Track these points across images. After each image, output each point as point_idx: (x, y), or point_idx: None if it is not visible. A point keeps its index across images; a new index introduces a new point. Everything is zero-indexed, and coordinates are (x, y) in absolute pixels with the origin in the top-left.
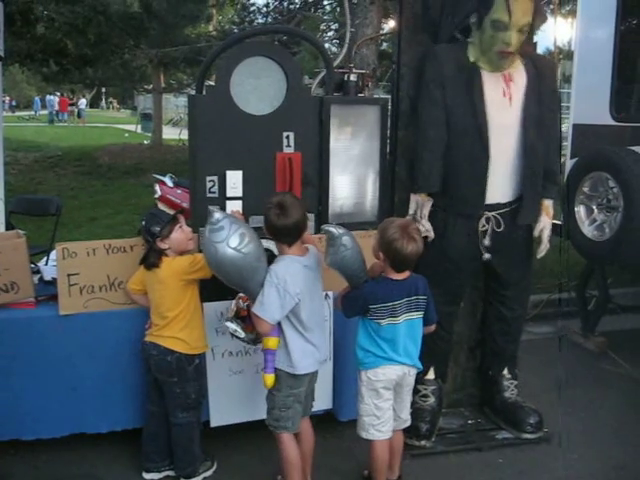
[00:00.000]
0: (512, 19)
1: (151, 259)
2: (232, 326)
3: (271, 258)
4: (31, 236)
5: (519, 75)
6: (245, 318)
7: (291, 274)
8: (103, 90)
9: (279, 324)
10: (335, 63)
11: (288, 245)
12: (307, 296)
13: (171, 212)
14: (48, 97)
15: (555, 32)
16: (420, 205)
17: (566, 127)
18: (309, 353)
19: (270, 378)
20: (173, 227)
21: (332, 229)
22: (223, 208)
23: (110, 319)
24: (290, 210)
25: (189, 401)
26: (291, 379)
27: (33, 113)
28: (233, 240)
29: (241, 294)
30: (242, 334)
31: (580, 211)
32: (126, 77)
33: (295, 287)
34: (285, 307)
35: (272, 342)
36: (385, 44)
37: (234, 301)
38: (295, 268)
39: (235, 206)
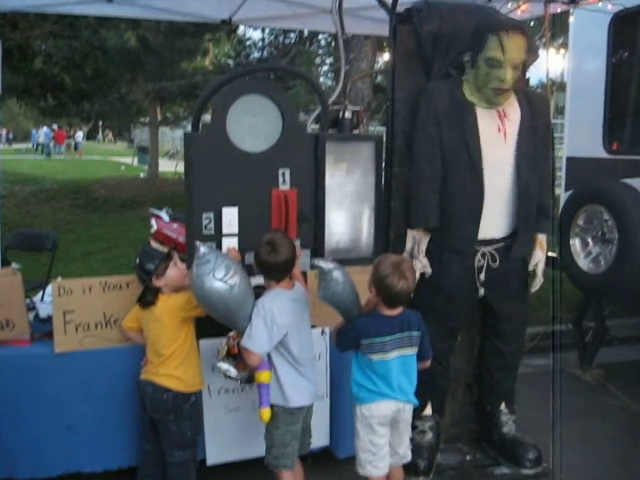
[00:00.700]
0: (506, 56)
1: (147, 297)
2: (224, 366)
3: (261, 293)
4: (27, 270)
5: (513, 111)
6: (237, 356)
7: (278, 306)
8: (100, 123)
9: (270, 358)
10: (330, 100)
11: (277, 281)
12: (295, 329)
13: (164, 249)
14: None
15: (548, 64)
16: (417, 241)
17: (560, 157)
18: (302, 387)
19: (266, 412)
20: (168, 264)
21: (322, 264)
22: (219, 245)
23: (106, 357)
24: (280, 248)
25: (185, 439)
26: (287, 415)
27: (30, 146)
28: (219, 272)
29: (231, 333)
30: (234, 373)
31: (575, 244)
32: (123, 111)
33: (282, 318)
34: (273, 338)
35: (264, 376)
36: (380, 77)
37: (225, 340)
38: (282, 300)
39: (230, 243)
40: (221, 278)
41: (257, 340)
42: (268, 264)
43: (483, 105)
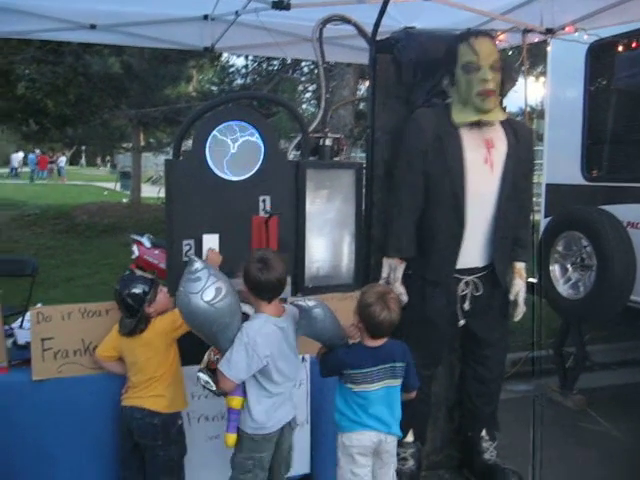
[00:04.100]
0: (480, 58)
1: (140, 325)
2: (204, 377)
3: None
4: (6, 296)
5: (500, 141)
6: (215, 371)
7: (263, 335)
8: (83, 148)
9: (244, 384)
10: (311, 127)
11: (268, 301)
12: (278, 358)
13: (147, 275)
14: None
15: (526, 92)
16: (393, 268)
17: (540, 184)
18: (275, 415)
19: (231, 438)
20: (157, 290)
21: (301, 303)
22: None
23: (84, 384)
24: (273, 264)
25: (172, 464)
26: (251, 442)
27: (9, 171)
28: (208, 293)
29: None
30: (213, 387)
31: (555, 270)
32: (106, 136)
33: (265, 349)
34: (251, 368)
35: (236, 402)
36: (362, 104)
37: (207, 352)
38: (268, 329)
39: (212, 242)
40: (209, 301)
41: (235, 367)
42: (260, 282)
43: (472, 120)
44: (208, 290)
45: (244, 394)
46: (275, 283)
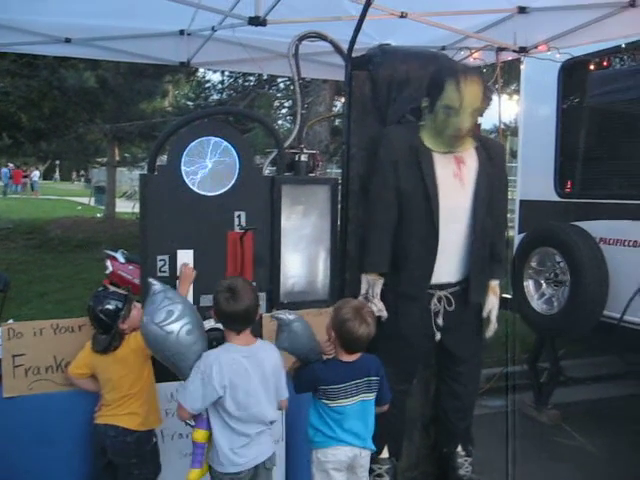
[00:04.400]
0: (463, 104)
1: (114, 342)
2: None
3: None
4: None
5: (470, 158)
6: None
7: (221, 364)
8: (57, 162)
9: (208, 416)
10: (286, 143)
11: (237, 332)
12: (240, 389)
13: (121, 291)
14: None
15: (500, 110)
16: (371, 284)
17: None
18: (241, 448)
19: (194, 473)
20: (130, 306)
21: (282, 316)
22: (173, 288)
23: (56, 401)
24: (241, 294)
25: None
26: (225, 477)
27: None
28: (157, 315)
29: None
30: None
31: (529, 285)
32: (80, 151)
33: (222, 379)
34: (207, 398)
35: (199, 435)
36: (338, 120)
37: None
38: (229, 358)
39: (186, 257)
40: (157, 323)
41: (190, 396)
42: (227, 313)
43: (441, 150)
44: (158, 313)
45: (209, 427)
46: (242, 314)
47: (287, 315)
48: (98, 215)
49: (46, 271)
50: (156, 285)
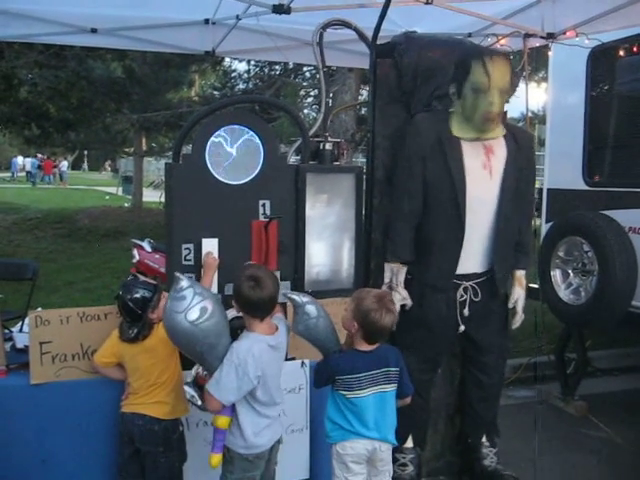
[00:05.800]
0: (491, 81)
1: (144, 331)
2: (190, 392)
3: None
4: (7, 300)
5: (500, 147)
6: (203, 387)
7: (254, 355)
8: (85, 152)
9: (233, 404)
10: (311, 132)
11: (260, 319)
12: (269, 377)
13: (150, 280)
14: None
15: (527, 97)
16: (395, 273)
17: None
18: (264, 432)
19: (216, 458)
20: (160, 296)
21: (295, 297)
22: (198, 277)
23: (82, 388)
24: (265, 282)
25: (173, 470)
26: (244, 462)
27: (10, 175)
28: (192, 313)
29: None
30: (199, 402)
31: (556, 275)
32: (108, 141)
33: (256, 370)
34: (242, 390)
35: (223, 421)
36: (364, 109)
37: (195, 365)
38: (259, 348)
39: (211, 246)
40: (193, 321)
41: (224, 389)
42: (252, 300)
43: (471, 137)
44: (193, 310)
45: (232, 414)
46: (267, 301)
47: (301, 297)
48: (126, 205)
49: (74, 260)
50: (183, 280)
